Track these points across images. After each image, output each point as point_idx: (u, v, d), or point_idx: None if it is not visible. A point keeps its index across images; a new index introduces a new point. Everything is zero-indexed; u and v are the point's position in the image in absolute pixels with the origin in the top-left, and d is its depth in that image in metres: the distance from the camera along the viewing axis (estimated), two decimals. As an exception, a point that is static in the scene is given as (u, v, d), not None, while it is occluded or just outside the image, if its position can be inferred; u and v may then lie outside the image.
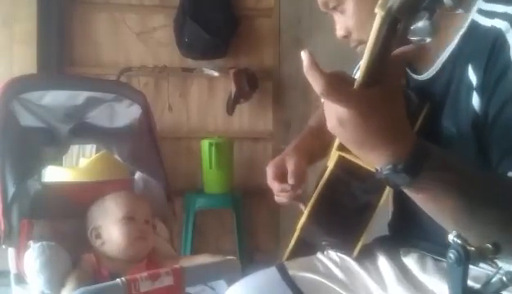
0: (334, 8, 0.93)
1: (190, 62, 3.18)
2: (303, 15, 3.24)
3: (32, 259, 1.37)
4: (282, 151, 1.12)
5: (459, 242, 0.52)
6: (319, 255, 1.07)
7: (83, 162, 2.52)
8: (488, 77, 0.78)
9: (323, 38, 2.70)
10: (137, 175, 1.77)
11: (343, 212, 0.97)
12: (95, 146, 2.58)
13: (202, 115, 3.29)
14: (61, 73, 3.10)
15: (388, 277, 0.98)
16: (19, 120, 1.52)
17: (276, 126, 3.30)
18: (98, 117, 1.70)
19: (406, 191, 0.69)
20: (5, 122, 1.47)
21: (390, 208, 1.09)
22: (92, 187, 1.69)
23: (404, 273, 0.97)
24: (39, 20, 2.88)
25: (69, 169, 2.46)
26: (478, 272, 0.68)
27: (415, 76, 0.95)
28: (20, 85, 1.54)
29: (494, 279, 0.53)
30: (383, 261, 1.01)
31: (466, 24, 0.84)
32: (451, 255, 0.52)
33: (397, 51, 0.68)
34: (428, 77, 0.91)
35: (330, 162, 0.96)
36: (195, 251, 2.96)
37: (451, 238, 0.54)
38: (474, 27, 0.83)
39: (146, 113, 1.76)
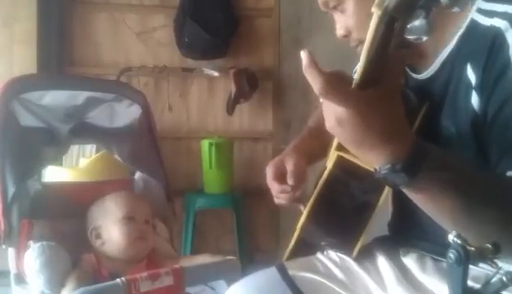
0: (335, 7, 0.93)
1: (190, 62, 3.18)
2: (303, 15, 3.24)
3: (32, 259, 1.37)
4: (282, 151, 1.12)
5: (459, 242, 0.52)
6: (319, 255, 1.07)
7: (83, 162, 2.52)
8: (487, 76, 0.78)
9: (323, 38, 2.69)
10: (137, 175, 1.77)
11: (342, 212, 0.97)
12: (95, 146, 2.58)
13: (202, 115, 3.29)
14: (61, 73, 3.10)
15: (387, 277, 0.98)
16: (19, 120, 1.52)
17: (276, 126, 3.30)
18: (98, 117, 1.70)
19: (405, 191, 0.69)
20: (5, 122, 1.47)
21: (390, 208, 1.09)
22: (92, 187, 1.69)
23: (404, 274, 0.97)
24: (39, 20, 2.88)
25: (69, 169, 2.46)
26: (478, 272, 0.68)
27: (414, 75, 0.95)
28: (20, 85, 1.54)
29: (494, 279, 0.53)
30: (382, 261, 1.01)
31: (465, 24, 0.84)
32: (451, 255, 0.52)
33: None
34: (428, 76, 0.91)
35: (329, 163, 0.96)
36: (195, 251, 2.96)
37: (451, 238, 0.53)
38: (473, 26, 0.83)
39: (146, 113, 1.76)
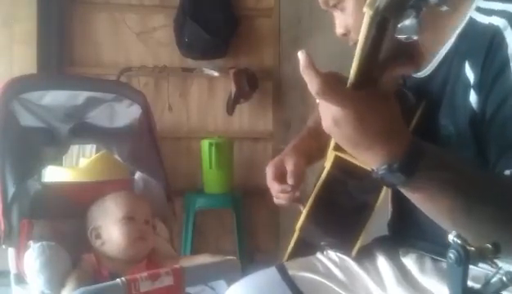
0: (335, 6, 0.93)
1: (190, 62, 3.18)
2: (303, 15, 3.24)
3: (32, 259, 1.37)
4: (282, 151, 1.13)
5: (459, 242, 0.52)
6: (318, 255, 1.07)
7: (83, 162, 2.52)
8: (486, 74, 0.78)
9: (323, 38, 2.69)
10: (137, 175, 1.77)
11: (341, 212, 0.97)
12: (95, 146, 2.58)
13: (202, 115, 3.29)
14: (61, 73, 3.10)
15: (387, 277, 0.98)
16: (19, 120, 1.52)
17: (276, 126, 3.30)
18: (98, 117, 1.70)
19: (403, 190, 0.69)
20: (5, 122, 1.47)
21: (389, 208, 1.09)
22: (92, 187, 1.69)
23: (403, 274, 0.97)
24: (39, 20, 2.88)
25: (69, 169, 2.46)
26: (478, 272, 0.68)
27: (412, 74, 0.95)
28: (20, 85, 1.54)
29: (494, 279, 0.52)
30: (382, 261, 1.01)
31: (464, 22, 0.84)
32: (451, 255, 0.52)
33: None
34: (426, 74, 0.91)
35: (327, 163, 0.97)
36: (195, 251, 2.96)
37: (450, 238, 0.53)
38: (472, 24, 0.83)
39: (146, 113, 1.76)
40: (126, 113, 1.74)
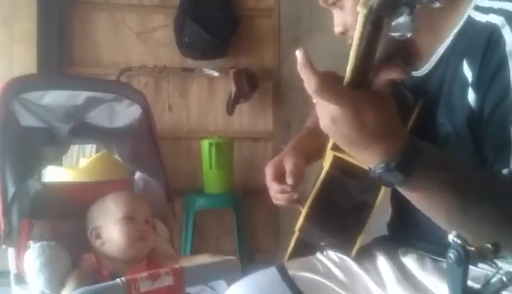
0: (334, 4, 0.93)
1: (190, 62, 3.18)
2: (303, 15, 3.24)
3: (32, 259, 1.37)
4: (282, 151, 1.13)
5: (459, 242, 0.52)
6: (318, 255, 1.07)
7: (83, 162, 2.52)
8: (484, 72, 0.78)
9: (323, 38, 2.69)
10: (137, 175, 1.77)
11: (340, 212, 0.97)
12: (95, 146, 2.57)
13: (202, 115, 3.29)
14: (61, 73, 3.10)
15: (387, 277, 0.98)
16: (19, 120, 1.52)
17: (276, 126, 3.30)
18: (98, 117, 1.69)
19: (400, 190, 0.70)
20: (5, 122, 1.47)
21: (389, 208, 1.09)
22: (92, 187, 1.69)
23: (403, 274, 0.97)
24: (39, 20, 2.88)
25: (69, 169, 2.46)
26: (477, 272, 0.68)
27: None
28: (20, 85, 1.54)
29: (494, 279, 0.52)
30: (382, 261, 1.01)
31: (462, 21, 0.84)
32: (451, 255, 0.52)
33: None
34: (424, 73, 0.91)
35: (326, 163, 0.96)
36: (195, 251, 2.96)
37: (450, 238, 0.53)
38: (470, 23, 0.83)
39: (146, 113, 1.76)
40: (126, 113, 1.74)
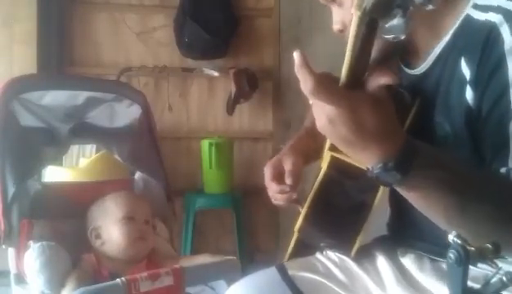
0: (333, 0, 0.93)
1: (190, 62, 3.18)
2: (303, 15, 3.24)
3: (32, 259, 1.37)
4: (281, 151, 1.13)
5: (459, 242, 0.52)
6: (318, 255, 1.07)
7: (83, 162, 2.52)
8: (482, 70, 0.78)
9: (323, 38, 2.70)
10: (137, 175, 1.77)
11: (339, 213, 0.97)
12: (95, 146, 2.57)
13: (202, 115, 3.29)
14: (61, 73, 3.10)
15: (387, 277, 0.98)
16: (19, 120, 1.52)
17: (276, 126, 3.30)
18: (98, 117, 1.69)
19: (398, 189, 0.70)
20: (5, 122, 1.47)
21: (388, 208, 1.09)
22: (92, 187, 1.69)
23: (403, 274, 0.97)
24: (39, 20, 2.88)
25: (69, 169, 2.45)
26: (477, 272, 0.68)
27: (408, 70, 0.95)
28: (20, 85, 1.54)
29: (494, 279, 0.52)
30: (382, 261, 1.01)
31: (460, 19, 0.84)
32: (451, 255, 0.52)
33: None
34: (422, 71, 0.91)
35: (323, 163, 0.96)
36: (195, 251, 2.96)
37: (450, 238, 0.53)
38: (468, 21, 0.83)
39: (146, 113, 1.76)
40: (126, 113, 1.74)
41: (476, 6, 0.83)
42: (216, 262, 1.46)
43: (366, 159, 0.67)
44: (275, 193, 1.08)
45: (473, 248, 0.52)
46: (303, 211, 0.97)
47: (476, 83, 0.79)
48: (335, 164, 0.94)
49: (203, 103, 3.29)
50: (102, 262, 1.47)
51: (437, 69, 0.88)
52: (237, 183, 3.11)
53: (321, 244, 1.04)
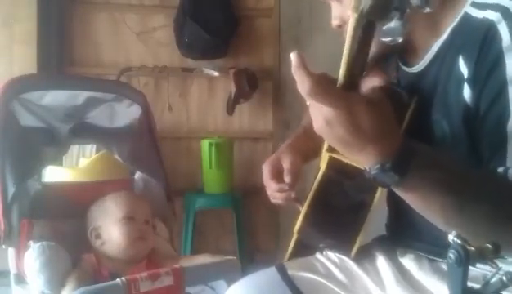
0: None
1: (190, 62, 3.18)
2: (303, 15, 3.24)
3: (32, 259, 1.37)
4: (279, 149, 1.13)
5: (459, 242, 0.52)
6: (318, 255, 1.07)
7: (83, 162, 2.52)
8: (480, 68, 0.78)
9: (323, 38, 2.69)
10: (137, 175, 1.77)
11: (338, 213, 0.97)
12: (95, 146, 2.57)
13: (202, 115, 3.29)
14: (61, 73, 3.10)
15: (386, 277, 0.98)
16: (19, 120, 1.52)
17: (276, 126, 3.30)
18: (98, 117, 1.69)
19: (396, 190, 0.69)
20: (5, 122, 1.47)
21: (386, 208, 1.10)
22: (92, 187, 1.69)
23: (402, 274, 0.97)
24: (39, 20, 2.88)
25: (69, 169, 2.45)
26: (476, 272, 0.68)
27: (406, 69, 0.95)
28: (20, 85, 1.54)
29: (494, 279, 0.52)
30: (381, 261, 1.01)
31: (458, 17, 0.84)
32: (451, 255, 0.52)
33: None
34: (420, 69, 0.91)
35: (322, 164, 0.96)
36: (195, 251, 2.96)
37: (450, 238, 0.53)
38: (466, 19, 0.83)
39: (146, 113, 1.76)
40: (126, 113, 1.74)
41: (474, 4, 0.83)
42: (216, 262, 1.46)
43: (363, 160, 0.67)
44: (273, 192, 1.08)
45: (473, 248, 0.52)
46: (303, 211, 0.97)
47: (474, 81, 0.79)
48: (334, 164, 0.94)
49: (203, 103, 3.29)
50: (102, 262, 1.46)
51: (435, 66, 0.88)
52: (237, 183, 3.11)
53: (321, 245, 1.04)
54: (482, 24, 0.79)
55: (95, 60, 3.20)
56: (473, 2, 0.83)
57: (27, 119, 1.54)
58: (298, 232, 1.00)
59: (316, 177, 0.97)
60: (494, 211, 0.70)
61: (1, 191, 1.42)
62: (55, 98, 1.60)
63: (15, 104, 1.51)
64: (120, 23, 3.19)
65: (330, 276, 1.01)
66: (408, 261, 0.99)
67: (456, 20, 0.84)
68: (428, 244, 0.94)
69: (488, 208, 0.70)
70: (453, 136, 0.83)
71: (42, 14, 2.91)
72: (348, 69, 0.61)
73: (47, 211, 1.51)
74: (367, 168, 0.67)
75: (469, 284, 0.53)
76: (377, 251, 1.04)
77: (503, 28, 0.76)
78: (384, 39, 0.60)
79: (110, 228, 1.50)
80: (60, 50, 3.13)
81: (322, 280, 1.00)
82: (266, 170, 1.08)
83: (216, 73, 3.17)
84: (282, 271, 1.01)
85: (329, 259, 1.05)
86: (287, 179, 1.03)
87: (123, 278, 1.24)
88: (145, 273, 1.28)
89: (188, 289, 1.38)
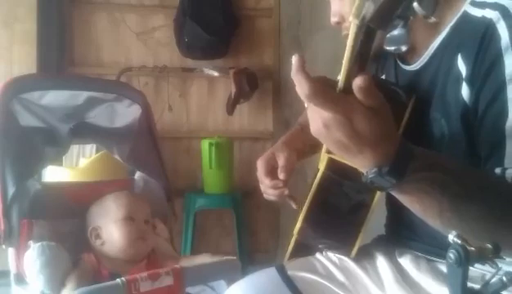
0: None
1: (190, 62, 3.18)
2: (303, 15, 3.23)
3: (32, 259, 1.37)
4: (274, 145, 1.13)
5: (459, 242, 0.52)
6: (318, 255, 1.07)
7: (83, 162, 2.52)
8: (478, 67, 0.78)
9: (323, 38, 2.69)
10: (137, 175, 1.77)
11: (338, 214, 0.97)
12: (95, 146, 2.58)
13: (202, 115, 3.29)
14: (61, 73, 3.10)
15: (386, 277, 0.98)
16: (19, 120, 1.51)
17: (276, 126, 3.30)
18: (98, 117, 1.69)
19: (394, 193, 0.69)
20: (5, 122, 1.47)
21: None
22: (92, 187, 1.68)
23: (401, 274, 0.98)
24: (39, 20, 2.88)
25: (69, 169, 2.46)
26: (475, 272, 0.68)
27: (404, 66, 0.95)
28: (20, 85, 1.54)
29: (494, 279, 0.52)
30: (381, 261, 1.01)
31: (458, 16, 0.84)
32: (451, 255, 0.52)
33: None
34: (418, 67, 0.91)
35: (321, 165, 0.96)
36: (195, 251, 2.96)
37: (451, 238, 0.53)
38: (465, 18, 0.83)
39: (146, 113, 1.76)
40: (126, 113, 1.73)
41: (473, 3, 0.83)
42: (216, 262, 1.46)
43: (360, 164, 0.67)
44: (267, 188, 1.08)
45: (473, 248, 0.52)
46: (302, 212, 0.97)
47: (472, 80, 0.79)
48: (333, 165, 0.94)
49: (203, 103, 3.29)
50: (102, 262, 1.46)
51: (433, 64, 0.88)
52: (237, 183, 3.11)
53: (321, 245, 1.04)
54: (480, 22, 0.79)
55: (95, 60, 3.20)
56: (473, 0, 0.83)
57: (27, 119, 1.54)
58: (298, 233, 1.00)
59: (315, 178, 0.97)
60: (491, 213, 0.70)
61: (1, 191, 1.42)
62: (55, 98, 1.60)
63: (15, 104, 1.51)
64: (120, 23, 3.19)
65: (329, 276, 1.01)
66: (406, 261, 0.99)
67: (455, 19, 0.84)
68: (426, 244, 0.94)
69: (486, 210, 0.70)
70: (451, 135, 0.83)
71: (42, 14, 2.91)
72: (348, 74, 0.61)
73: (47, 211, 1.51)
74: (364, 172, 0.67)
75: (470, 284, 0.53)
76: (377, 251, 1.04)
77: (502, 28, 0.76)
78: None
79: (110, 228, 1.50)
80: (60, 50, 3.13)
81: (322, 280, 1.00)
82: (260, 166, 1.08)
83: (216, 73, 3.17)
84: (282, 271, 1.01)
85: (328, 259, 1.05)
86: (281, 175, 1.03)
87: (123, 278, 1.24)
88: (145, 274, 1.28)
89: (188, 289, 1.38)
